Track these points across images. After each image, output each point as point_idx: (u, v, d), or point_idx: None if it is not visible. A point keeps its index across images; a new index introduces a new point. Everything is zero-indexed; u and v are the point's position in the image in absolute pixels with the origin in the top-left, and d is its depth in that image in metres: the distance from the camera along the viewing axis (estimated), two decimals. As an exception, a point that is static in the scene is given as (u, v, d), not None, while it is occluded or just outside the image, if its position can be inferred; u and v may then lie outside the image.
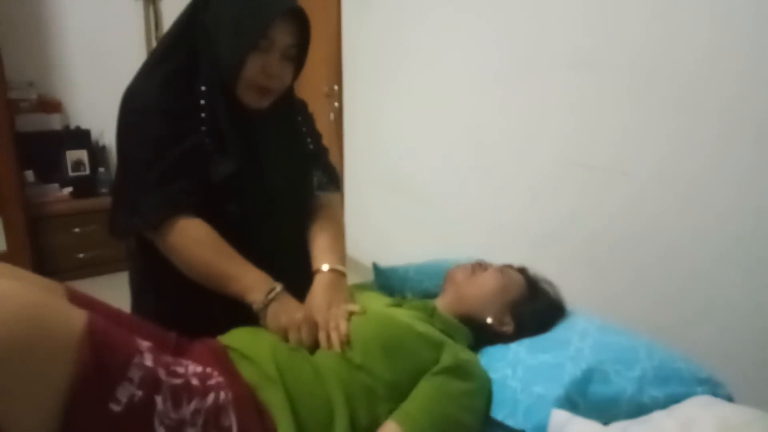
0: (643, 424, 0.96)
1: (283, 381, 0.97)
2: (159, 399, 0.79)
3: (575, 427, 0.95)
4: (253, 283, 1.15)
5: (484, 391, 1.09)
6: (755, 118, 1.44)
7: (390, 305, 1.24)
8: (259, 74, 1.16)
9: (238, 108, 1.19)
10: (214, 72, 1.16)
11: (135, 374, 0.77)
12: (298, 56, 1.22)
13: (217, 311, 1.18)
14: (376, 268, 1.53)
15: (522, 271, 1.37)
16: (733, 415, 0.94)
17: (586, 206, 1.90)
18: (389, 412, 1.00)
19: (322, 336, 1.09)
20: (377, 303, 1.24)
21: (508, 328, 1.24)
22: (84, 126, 3.43)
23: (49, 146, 3.26)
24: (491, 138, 2.27)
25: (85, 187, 3.33)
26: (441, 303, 1.28)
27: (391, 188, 2.96)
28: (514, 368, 1.11)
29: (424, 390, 1.03)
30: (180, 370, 0.86)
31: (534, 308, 1.26)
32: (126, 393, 0.75)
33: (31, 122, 3.22)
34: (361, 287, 1.47)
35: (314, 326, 1.11)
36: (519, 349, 1.17)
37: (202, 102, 1.17)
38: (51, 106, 3.34)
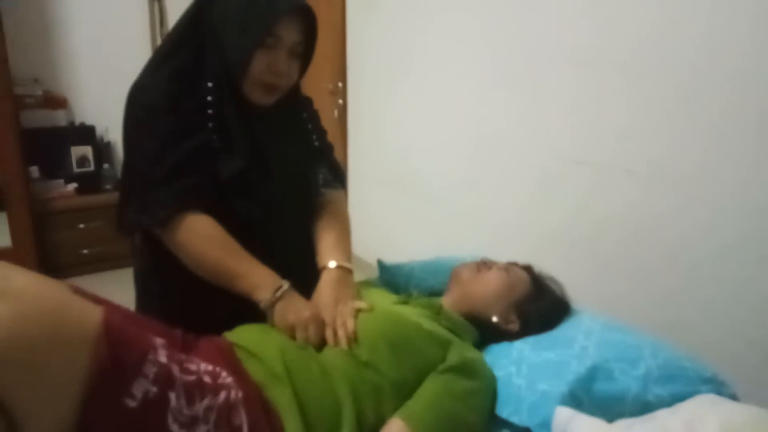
0: (647, 423, 0.96)
1: (291, 379, 0.97)
2: (173, 395, 0.79)
3: (579, 424, 0.95)
4: (260, 281, 1.15)
5: (489, 389, 1.09)
6: (756, 114, 1.44)
7: (396, 303, 1.24)
8: (266, 71, 1.16)
9: (244, 105, 1.19)
10: (220, 68, 1.16)
11: (150, 370, 0.78)
12: (304, 53, 1.22)
13: (223, 308, 1.18)
14: (381, 265, 1.54)
15: (527, 269, 1.36)
16: (738, 415, 0.94)
17: (589, 203, 1.90)
18: (395, 410, 1.00)
19: (329, 333, 1.10)
20: (384, 300, 1.24)
21: (514, 326, 1.24)
22: (89, 122, 3.44)
23: (54, 142, 3.28)
24: (495, 135, 2.27)
25: (89, 183, 3.34)
26: (447, 301, 1.28)
27: (395, 185, 2.97)
28: (519, 366, 1.11)
29: (430, 388, 1.04)
30: (192, 367, 0.86)
31: (539, 306, 1.26)
32: (141, 388, 0.76)
33: (36, 118, 3.24)
34: (367, 284, 1.47)
35: (321, 324, 1.11)
36: (523, 347, 1.17)
37: (209, 98, 1.17)
38: (56, 102, 3.36)
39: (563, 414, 0.98)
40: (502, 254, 1.45)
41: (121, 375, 0.75)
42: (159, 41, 3.50)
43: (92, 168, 3.38)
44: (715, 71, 1.51)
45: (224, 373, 0.91)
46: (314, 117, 1.42)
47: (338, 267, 1.23)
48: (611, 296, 1.80)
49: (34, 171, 3.21)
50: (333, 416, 0.96)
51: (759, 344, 1.49)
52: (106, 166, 3.43)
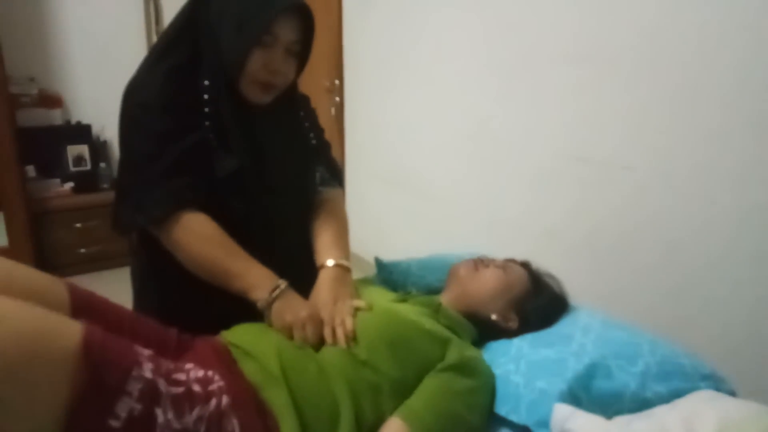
0: (646, 418, 0.96)
1: (287, 380, 0.96)
2: (159, 411, 0.77)
3: (578, 421, 0.95)
4: (257, 280, 1.15)
5: (488, 388, 1.09)
6: (755, 112, 1.44)
7: (395, 301, 1.24)
8: (262, 70, 1.15)
9: (241, 103, 1.19)
10: (217, 67, 1.16)
11: (134, 387, 0.76)
12: (301, 52, 1.22)
13: (220, 307, 1.17)
14: (379, 263, 1.53)
15: (525, 265, 1.36)
16: (736, 410, 0.94)
17: (587, 201, 1.90)
18: (394, 409, 1.00)
19: (327, 332, 1.09)
20: (382, 298, 1.24)
21: (513, 323, 1.24)
22: (85, 121, 3.43)
23: (50, 141, 3.27)
24: (493, 132, 2.27)
25: (86, 182, 3.33)
26: (445, 299, 1.27)
27: (393, 183, 2.96)
28: (517, 363, 1.11)
29: (429, 387, 1.03)
30: (181, 377, 0.84)
31: (538, 303, 1.27)
32: (125, 408, 0.74)
33: (32, 117, 3.22)
34: (364, 282, 1.47)
35: (319, 324, 1.11)
36: (522, 344, 1.17)
37: (206, 97, 1.17)
38: (52, 101, 3.34)
39: (562, 411, 0.97)
40: (500, 251, 1.45)
41: (103, 395, 0.73)
42: (155, 39, 3.49)
43: (88, 167, 3.37)
44: (713, 68, 1.51)
45: (216, 377, 0.90)
46: (311, 115, 1.42)
47: (336, 265, 1.23)
48: (609, 293, 1.80)
49: (31, 170, 3.20)
50: (331, 416, 0.96)
51: (756, 341, 1.49)
52: (102, 165, 3.42)
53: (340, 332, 1.07)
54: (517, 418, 1.04)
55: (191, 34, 1.18)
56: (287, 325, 1.09)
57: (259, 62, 1.14)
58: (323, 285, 1.20)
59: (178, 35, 1.20)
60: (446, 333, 1.13)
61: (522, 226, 2.17)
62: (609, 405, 1.04)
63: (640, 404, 1.04)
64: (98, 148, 3.43)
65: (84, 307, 0.95)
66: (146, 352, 0.82)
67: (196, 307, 1.21)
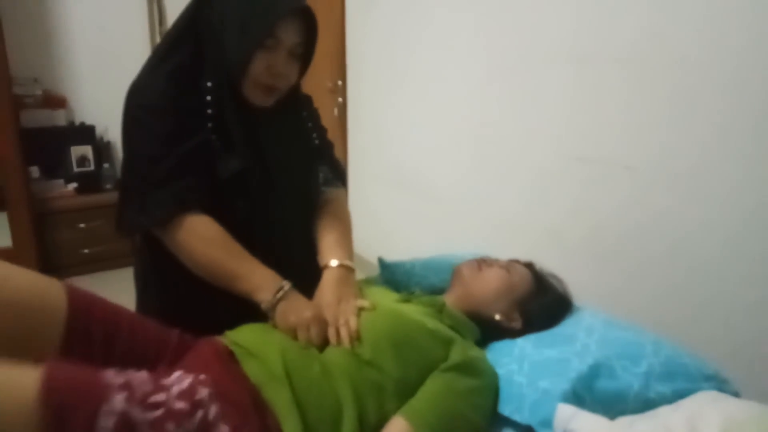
0: (649, 419, 0.96)
1: (290, 380, 0.96)
2: None
3: (581, 421, 0.95)
4: (261, 282, 1.15)
5: (491, 388, 1.09)
6: (756, 111, 1.43)
7: (399, 301, 1.24)
8: (265, 73, 1.15)
9: (244, 104, 1.19)
10: (219, 68, 1.16)
11: (106, 423, 0.72)
12: (304, 54, 1.21)
13: (223, 308, 1.17)
14: (382, 263, 1.54)
15: (529, 266, 1.36)
16: (740, 411, 0.93)
17: (589, 200, 1.90)
18: (398, 409, 1.00)
19: (331, 332, 1.09)
20: (386, 299, 1.24)
21: (516, 324, 1.25)
22: (89, 122, 3.44)
23: (54, 142, 3.28)
24: (495, 132, 2.27)
25: (89, 183, 3.34)
26: (449, 299, 1.27)
27: (395, 183, 2.96)
28: (521, 363, 1.12)
29: (433, 386, 1.03)
30: (160, 398, 0.80)
31: (541, 304, 1.27)
32: None
33: (36, 118, 3.23)
34: (368, 282, 1.47)
35: (323, 324, 1.11)
36: (525, 344, 1.17)
37: (208, 98, 1.17)
38: (56, 101, 3.35)
39: (565, 411, 0.97)
40: (503, 251, 1.45)
41: None
42: (158, 40, 3.49)
43: (92, 168, 3.38)
44: (714, 67, 1.51)
45: (204, 385, 0.86)
46: (314, 115, 1.41)
47: (340, 266, 1.23)
48: (610, 292, 1.80)
49: (34, 171, 3.21)
50: (334, 416, 0.96)
51: (759, 341, 1.49)
52: (106, 165, 3.43)
53: (344, 332, 1.07)
54: (521, 418, 1.04)
55: (194, 36, 1.17)
56: (291, 325, 1.09)
57: (261, 65, 1.13)
58: (327, 285, 1.20)
59: (180, 36, 1.19)
60: (450, 333, 1.13)
61: (524, 226, 2.17)
62: (612, 405, 1.04)
63: (644, 405, 1.04)
64: (102, 149, 3.44)
65: (82, 309, 0.95)
66: (118, 380, 0.78)
67: (199, 308, 1.21)
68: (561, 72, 1.94)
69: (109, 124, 3.44)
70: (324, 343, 1.09)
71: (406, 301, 1.24)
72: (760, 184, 1.45)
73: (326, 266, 1.23)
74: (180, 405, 0.80)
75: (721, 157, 1.52)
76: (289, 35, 1.14)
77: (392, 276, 1.52)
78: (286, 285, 1.14)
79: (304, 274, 1.22)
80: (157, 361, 1.00)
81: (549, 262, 1.40)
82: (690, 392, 1.05)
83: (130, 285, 1.38)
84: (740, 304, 1.52)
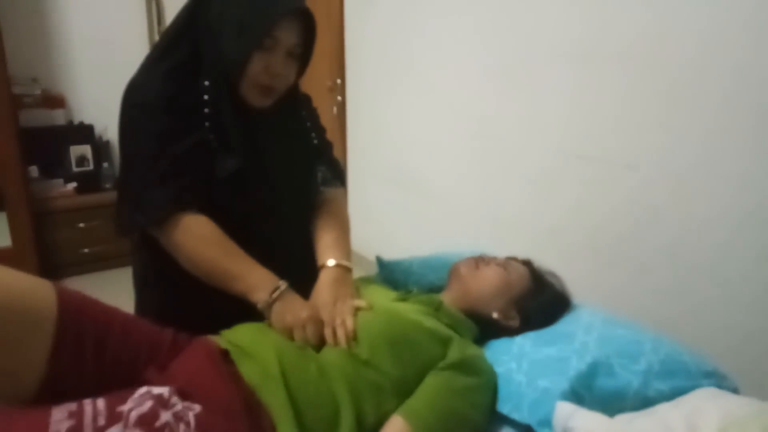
0: (648, 416, 0.96)
1: (286, 381, 0.96)
2: None
3: (580, 419, 0.95)
4: (257, 281, 1.14)
5: (490, 386, 1.09)
6: (756, 108, 1.43)
7: (396, 300, 1.24)
8: (263, 73, 1.14)
9: (241, 103, 1.18)
10: (217, 68, 1.15)
11: None
12: (302, 55, 1.20)
13: (221, 307, 1.17)
14: (380, 262, 1.53)
15: (526, 263, 1.36)
16: (738, 407, 0.93)
17: (589, 199, 1.90)
18: (396, 408, 1.00)
19: (328, 332, 1.09)
20: (383, 298, 1.24)
21: (514, 322, 1.24)
22: (87, 121, 3.44)
23: (53, 141, 3.28)
24: (494, 131, 2.27)
25: (89, 183, 3.34)
26: (447, 297, 1.27)
27: (394, 182, 2.96)
28: (519, 362, 1.11)
29: (431, 385, 1.03)
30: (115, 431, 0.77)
31: (539, 302, 1.26)
32: None
33: (35, 118, 3.23)
34: (366, 281, 1.47)
35: (320, 324, 1.10)
36: (524, 342, 1.17)
37: (206, 97, 1.16)
38: (55, 101, 3.35)
39: (564, 409, 0.97)
40: (502, 249, 1.45)
41: None
42: (157, 39, 3.49)
43: (91, 167, 3.37)
44: (714, 66, 1.51)
45: (163, 410, 0.81)
46: (313, 115, 1.41)
47: (337, 265, 1.22)
48: (611, 291, 1.80)
49: (34, 170, 3.21)
50: (331, 417, 0.95)
51: (759, 338, 1.49)
52: (105, 165, 3.42)
53: (340, 333, 1.07)
54: (520, 416, 1.04)
55: (191, 34, 1.17)
56: (288, 326, 1.09)
57: (259, 65, 1.13)
58: (324, 285, 1.19)
59: (178, 35, 1.19)
60: (448, 332, 1.13)
61: (523, 224, 2.17)
62: (611, 403, 1.03)
63: (643, 402, 1.04)
64: (101, 148, 3.44)
65: (72, 310, 0.94)
66: (64, 425, 0.74)
67: (197, 308, 1.21)
68: (561, 70, 1.94)
69: (108, 123, 3.43)
70: (321, 344, 1.09)
71: (404, 299, 1.24)
72: (760, 182, 1.45)
73: (323, 266, 1.23)
74: None
75: (721, 155, 1.52)
76: (288, 36, 1.13)
77: (390, 274, 1.52)
78: (283, 285, 1.14)
79: (302, 274, 1.22)
80: (150, 362, 0.99)
81: (549, 261, 1.40)
82: (689, 389, 1.05)
83: (129, 284, 1.38)
84: (739, 301, 1.52)
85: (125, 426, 0.77)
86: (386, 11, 2.82)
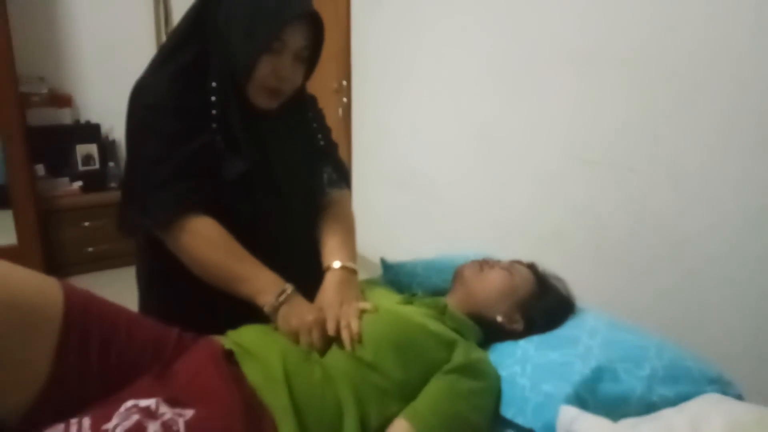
0: (652, 421, 0.96)
1: (289, 383, 0.95)
2: None
3: (584, 423, 0.94)
4: (263, 285, 1.14)
5: (494, 390, 1.09)
6: (759, 112, 1.43)
7: (401, 303, 1.23)
8: (270, 76, 1.14)
9: (248, 105, 1.18)
10: (224, 69, 1.15)
11: None
12: (310, 57, 1.20)
13: (226, 309, 1.17)
14: (384, 264, 1.53)
15: (531, 267, 1.36)
16: (743, 413, 0.93)
17: (592, 202, 1.89)
18: (400, 412, 1.00)
19: (331, 327, 1.08)
20: (388, 300, 1.23)
21: (518, 325, 1.24)
22: (94, 120, 3.45)
23: (60, 140, 3.29)
24: (498, 134, 2.27)
25: (94, 182, 3.35)
26: (451, 300, 1.27)
27: (399, 184, 2.96)
28: (523, 366, 1.11)
29: (435, 388, 1.03)
30: None
31: (544, 305, 1.26)
32: None
33: (41, 116, 3.25)
34: (370, 283, 1.47)
35: (326, 328, 1.10)
36: (528, 346, 1.16)
37: (213, 98, 1.16)
38: (62, 100, 3.37)
39: (568, 413, 0.97)
40: (506, 252, 1.45)
41: None
42: (164, 40, 3.50)
43: (97, 166, 3.39)
44: (717, 68, 1.50)
45: (151, 421, 0.81)
46: (319, 115, 1.41)
47: (342, 267, 1.22)
48: (614, 294, 1.79)
49: (40, 169, 3.22)
50: (334, 421, 0.95)
51: (763, 343, 1.48)
52: (111, 164, 3.44)
53: (345, 335, 1.06)
54: (523, 420, 1.03)
55: (199, 35, 1.16)
56: (294, 329, 1.09)
57: (267, 68, 1.12)
58: (329, 287, 1.19)
59: (185, 36, 1.18)
60: (452, 335, 1.13)
61: (527, 227, 2.17)
62: (615, 409, 1.03)
63: (647, 408, 1.03)
64: (107, 148, 3.45)
65: (78, 308, 0.94)
66: None
67: (201, 308, 1.20)
68: (565, 73, 1.94)
69: (115, 122, 3.45)
70: (326, 348, 1.08)
71: (408, 302, 1.24)
72: (764, 185, 1.45)
73: (329, 268, 1.23)
74: None
75: (725, 158, 1.51)
76: (296, 39, 1.13)
77: (395, 277, 1.52)
78: (289, 288, 1.14)
79: (308, 276, 1.22)
80: (155, 361, 1.00)
81: (552, 264, 1.40)
82: (693, 395, 1.04)
83: (134, 283, 1.38)
84: (744, 306, 1.52)
85: None
86: (392, 14, 2.82)
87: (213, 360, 0.99)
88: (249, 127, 1.19)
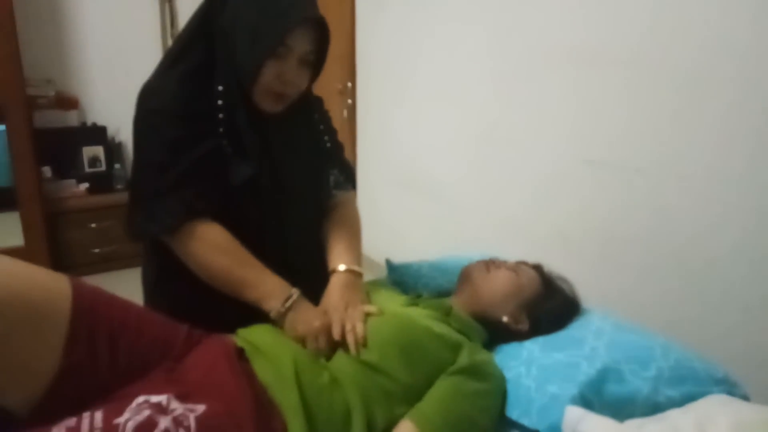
0: (658, 422, 0.96)
1: (299, 382, 0.96)
2: None
3: (590, 423, 0.94)
4: (270, 290, 1.14)
5: (499, 391, 1.09)
6: (763, 111, 1.42)
7: (406, 304, 1.24)
8: (275, 81, 1.13)
9: (254, 108, 1.18)
10: (230, 73, 1.15)
11: None
12: (315, 62, 1.20)
13: (231, 313, 1.16)
14: (390, 265, 1.54)
15: (537, 268, 1.36)
16: (749, 414, 0.93)
17: (597, 202, 1.89)
18: (406, 413, 1.00)
19: (336, 330, 1.09)
20: (393, 303, 1.24)
21: (524, 326, 1.24)
22: (100, 122, 3.47)
23: (66, 142, 3.31)
24: (503, 134, 2.27)
25: (101, 183, 3.37)
26: (456, 301, 1.27)
27: (403, 184, 2.97)
28: (528, 367, 1.11)
29: (440, 390, 1.03)
30: None
31: (549, 306, 1.26)
32: None
33: (48, 119, 3.26)
34: (375, 284, 1.47)
35: (331, 333, 1.10)
36: (533, 347, 1.16)
37: (219, 102, 1.16)
38: (68, 102, 3.38)
39: (574, 413, 0.97)
40: (511, 253, 1.45)
41: None
42: (170, 42, 3.52)
43: (104, 168, 3.40)
44: (721, 66, 1.50)
45: (162, 416, 0.82)
46: (325, 117, 1.41)
47: (348, 270, 1.22)
48: (619, 295, 1.79)
49: (47, 171, 3.24)
50: (341, 422, 0.96)
51: (767, 343, 1.48)
52: (117, 166, 3.45)
53: (350, 338, 1.07)
54: (529, 422, 1.04)
55: (205, 38, 1.16)
56: (300, 335, 1.09)
57: (272, 73, 1.12)
58: (334, 290, 1.19)
59: (191, 39, 1.18)
60: (458, 337, 1.13)
61: (532, 227, 2.17)
62: (621, 409, 1.03)
63: (653, 409, 1.03)
64: (113, 150, 3.47)
65: (87, 302, 0.95)
66: None
67: (207, 313, 1.19)
68: (568, 74, 1.94)
69: (121, 124, 3.47)
70: (333, 351, 1.09)
71: (414, 304, 1.24)
72: (766, 186, 1.44)
73: (334, 271, 1.23)
74: None
75: (729, 158, 1.51)
76: (301, 44, 1.12)
77: (400, 278, 1.52)
78: (295, 293, 1.14)
79: (314, 278, 1.22)
80: (165, 357, 1.00)
81: (557, 264, 1.40)
82: (699, 396, 1.04)
83: (140, 285, 1.38)
84: (750, 306, 1.51)
85: None
86: (396, 16, 2.83)
87: (225, 356, 0.99)
88: (255, 131, 1.18)
